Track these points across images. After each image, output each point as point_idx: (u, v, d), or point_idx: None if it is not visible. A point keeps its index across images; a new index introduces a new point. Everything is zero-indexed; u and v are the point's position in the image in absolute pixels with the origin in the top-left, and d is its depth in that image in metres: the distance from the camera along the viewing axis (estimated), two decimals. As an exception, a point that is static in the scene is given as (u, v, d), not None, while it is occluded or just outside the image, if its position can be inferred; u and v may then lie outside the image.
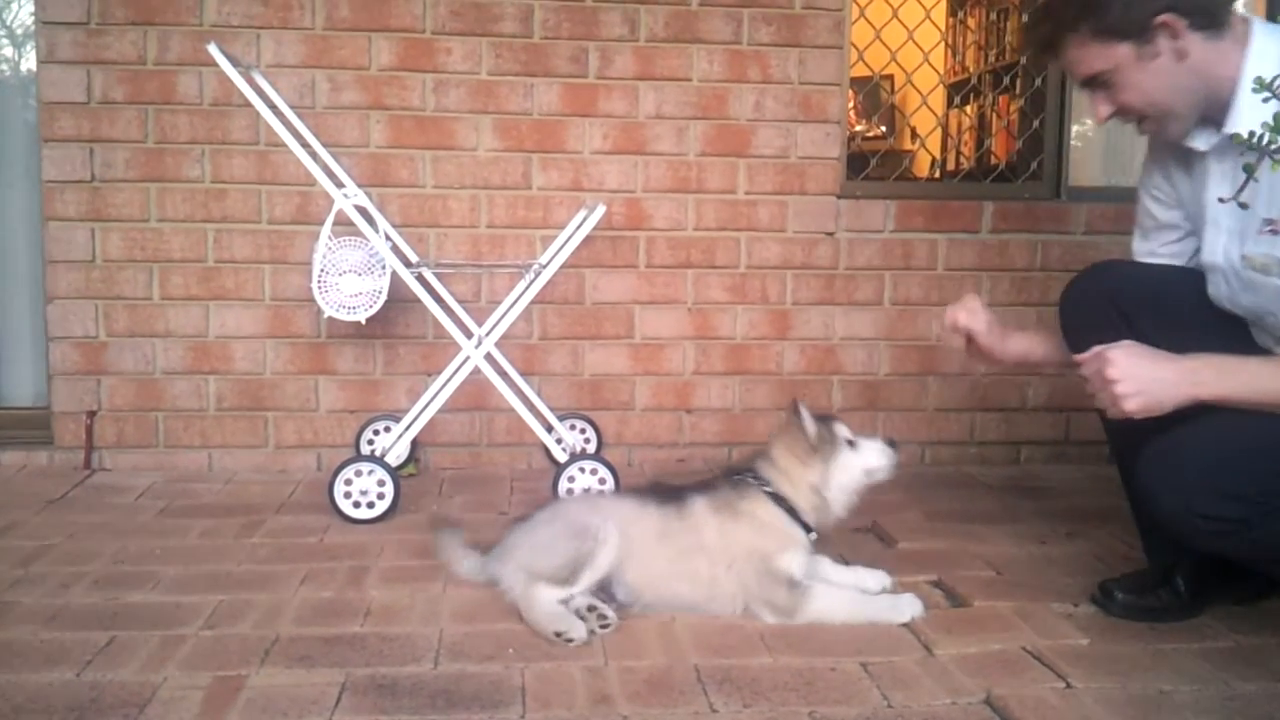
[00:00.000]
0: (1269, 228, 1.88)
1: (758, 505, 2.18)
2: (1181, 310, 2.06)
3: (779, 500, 2.18)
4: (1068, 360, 2.14)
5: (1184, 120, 1.96)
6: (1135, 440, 2.01)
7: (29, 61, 3.41)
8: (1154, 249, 2.21)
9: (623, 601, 2.12)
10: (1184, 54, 1.88)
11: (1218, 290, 2.03)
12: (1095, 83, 1.97)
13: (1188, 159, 2.08)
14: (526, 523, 2.23)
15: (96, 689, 1.78)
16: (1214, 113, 1.95)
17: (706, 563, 2.14)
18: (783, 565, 2.12)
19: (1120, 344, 1.88)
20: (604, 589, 2.10)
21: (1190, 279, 2.09)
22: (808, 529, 2.19)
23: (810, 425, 2.18)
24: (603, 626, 2.03)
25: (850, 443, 2.22)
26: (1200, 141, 1.99)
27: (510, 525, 2.29)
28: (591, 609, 2.04)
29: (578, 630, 1.97)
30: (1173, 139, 2.01)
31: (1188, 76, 1.90)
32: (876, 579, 2.27)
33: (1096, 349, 1.89)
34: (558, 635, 1.96)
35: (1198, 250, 2.09)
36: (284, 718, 1.69)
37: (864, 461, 2.22)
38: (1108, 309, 2.11)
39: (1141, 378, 1.82)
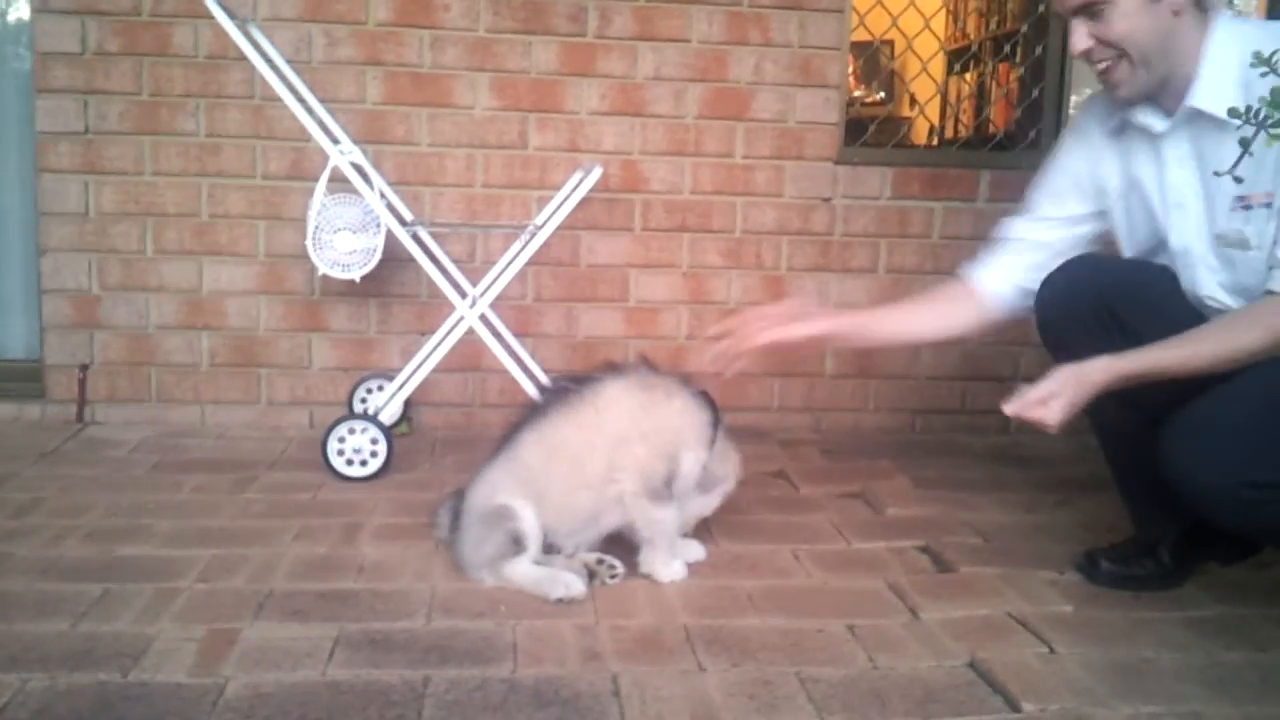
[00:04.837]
0: (1241, 204, 1.90)
1: (688, 401, 2.15)
2: (1166, 301, 2.02)
3: (710, 404, 2.18)
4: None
5: (1151, 77, 1.94)
6: (1131, 424, 2.02)
7: (21, 10, 3.37)
8: (1038, 235, 2.22)
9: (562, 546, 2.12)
10: (1179, 10, 1.90)
11: (1194, 276, 2.00)
12: (1088, 10, 1.93)
13: (1121, 144, 2.09)
14: (458, 531, 2.16)
15: (91, 640, 1.79)
16: (1166, 93, 1.96)
17: (602, 451, 2.07)
18: (683, 460, 2.10)
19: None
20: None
21: (1161, 268, 2.08)
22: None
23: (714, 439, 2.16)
24: (612, 576, 2.08)
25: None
26: (1156, 122, 1.98)
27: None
28: (600, 561, 2.09)
29: (575, 588, 2.00)
30: (1127, 95, 1.98)
31: (1172, 33, 1.91)
32: (694, 551, 2.24)
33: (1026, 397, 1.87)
34: (560, 601, 1.98)
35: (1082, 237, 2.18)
36: (278, 670, 1.71)
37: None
38: (1095, 304, 2.02)
39: (1064, 373, 1.85)
